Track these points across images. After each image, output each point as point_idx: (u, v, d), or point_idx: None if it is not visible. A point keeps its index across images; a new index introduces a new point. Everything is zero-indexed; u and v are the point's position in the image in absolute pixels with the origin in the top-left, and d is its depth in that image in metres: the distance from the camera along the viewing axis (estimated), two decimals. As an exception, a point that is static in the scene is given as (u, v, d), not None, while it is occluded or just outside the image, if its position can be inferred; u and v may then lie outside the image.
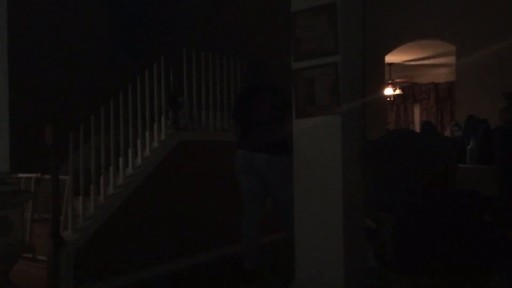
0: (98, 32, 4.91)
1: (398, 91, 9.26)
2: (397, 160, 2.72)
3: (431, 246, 2.31)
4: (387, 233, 2.37)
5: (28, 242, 3.89)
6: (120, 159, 3.79)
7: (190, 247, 4.22)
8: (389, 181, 2.66)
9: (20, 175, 3.98)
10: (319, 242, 3.23)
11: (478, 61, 5.44)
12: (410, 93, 10.28)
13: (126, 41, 5.09)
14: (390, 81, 8.89)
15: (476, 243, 2.37)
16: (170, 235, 4.04)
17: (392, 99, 9.84)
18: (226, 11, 5.35)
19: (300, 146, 3.34)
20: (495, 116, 4.65)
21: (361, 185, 2.91)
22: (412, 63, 8.47)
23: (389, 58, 7.60)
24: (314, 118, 3.24)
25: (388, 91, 8.96)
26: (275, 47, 4.83)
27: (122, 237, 3.68)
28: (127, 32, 5.16)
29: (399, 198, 2.52)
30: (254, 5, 5.17)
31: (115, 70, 4.78)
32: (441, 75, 9.31)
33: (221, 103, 4.64)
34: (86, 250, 3.45)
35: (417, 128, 9.34)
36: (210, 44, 4.76)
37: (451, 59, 6.33)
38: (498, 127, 3.67)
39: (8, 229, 1.21)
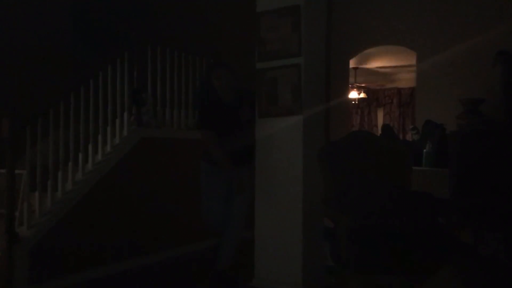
0: (60, 25, 4.80)
1: (362, 95, 9.45)
2: (355, 161, 2.79)
3: (385, 245, 2.38)
4: (343, 233, 2.43)
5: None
6: (80, 155, 3.73)
7: (150, 246, 4.18)
8: (347, 182, 2.72)
9: (-26, 169, 3.84)
10: (278, 241, 3.28)
11: (437, 68, 5.61)
12: (374, 97, 10.51)
13: (89, 34, 4.99)
14: (356, 85, 9.07)
15: (428, 242, 2.46)
16: (130, 232, 3.99)
17: (357, 102, 10.04)
18: (192, 10, 5.33)
19: (262, 145, 3.37)
20: (452, 121, 4.81)
21: (321, 186, 2.97)
22: (378, 69, 8.66)
23: (355, 63, 7.75)
24: (276, 118, 3.28)
25: (353, 94, 9.13)
26: (240, 47, 4.85)
27: (79, 234, 3.61)
28: (91, 25, 5.07)
29: (356, 199, 2.58)
30: (221, 4, 5.18)
31: (77, 64, 4.69)
32: (404, 81, 9.56)
33: (185, 100, 4.62)
34: (41, 246, 3.37)
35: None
36: (176, 41, 4.73)
37: (413, 66, 6.51)
38: (453, 132, 3.81)
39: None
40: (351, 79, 8.57)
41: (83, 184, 3.68)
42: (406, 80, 9.30)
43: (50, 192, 3.52)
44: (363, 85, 9.64)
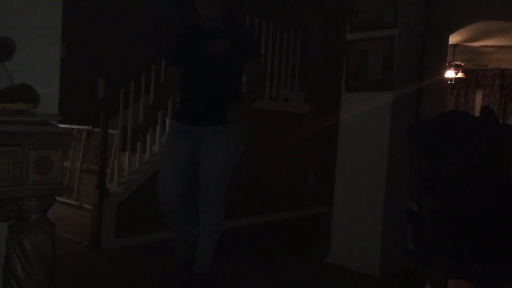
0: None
1: (460, 75, 8.80)
2: (449, 143, 2.59)
3: (470, 231, 2.21)
4: (427, 215, 2.28)
5: (76, 190, 4.08)
6: (167, 119, 3.85)
7: (234, 214, 4.26)
8: (435, 163, 2.54)
9: (73, 126, 4.15)
10: (357, 219, 3.18)
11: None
12: (474, 77, 9.75)
13: (180, 5, 5.09)
14: (453, 64, 8.45)
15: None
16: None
17: (453, 82, 9.38)
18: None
19: (348, 120, 3.26)
20: None
21: (406, 166, 2.81)
22: (477, 44, 7.99)
23: (454, 39, 7.19)
24: (364, 92, 3.14)
25: (450, 73, 8.53)
26: (330, 18, 4.68)
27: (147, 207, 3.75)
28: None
29: (442, 181, 2.41)
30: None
31: (169, 29, 4.80)
32: (509, 61, 8.74)
33: (271, 71, 4.59)
34: (128, 203, 3.57)
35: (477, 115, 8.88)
36: (264, 9, 4.68)
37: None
38: None
39: (49, 168, 1.25)
40: (449, 57, 8.00)
41: (151, 165, 3.78)
42: (510, 60, 8.49)
43: (139, 152, 3.69)
44: (462, 64, 8.97)
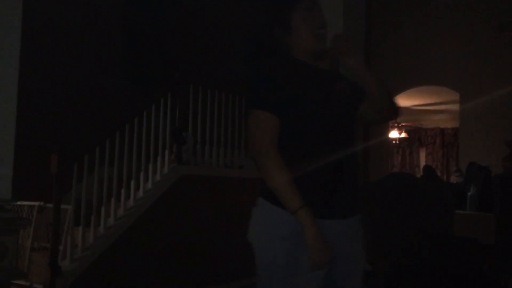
0: (108, 65, 5.07)
1: (403, 135, 9.31)
2: (394, 204, 2.74)
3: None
4: (380, 276, 2.37)
5: (26, 270, 3.91)
6: (122, 191, 3.84)
7: (188, 283, 4.19)
8: (385, 225, 2.67)
9: (23, 202, 4.03)
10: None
11: (481, 109, 5.49)
12: (416, 136, 10.32)
13: (135, 75, 5.24)
14: (396, 124, 8.96)
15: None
16: (169, 269, 4.02)
17: (397, 142, 9.88)
18: (233, 50, 5.49)
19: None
20: (498, 164, 4.66)
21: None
22: (418, 108, 8.55)
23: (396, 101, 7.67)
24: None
25: (394, 134, 9.01)
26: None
27: (119, 269, 3.68)
28: (137, 66, 5.32)
29: (394, 243, 2.52)
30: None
31: (123, 102, 4.90)
32: (447, 121, 9.37)
33: (225, 139, 4.71)
34: (83, 280, 3.45)
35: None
36: (217, 81, 4.88)
37: (456, 106, 6.39)
38: (498, 175, 3.68)
39: (3, 255, 1.25)
40: (392, 119, 8.47)
41: (124, 220, 3.78)
42: (449, 120, 9.11)
43: (93, 227, 3.63)
44: (404, 124, 9.52)
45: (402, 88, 6.36)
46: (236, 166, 4.78)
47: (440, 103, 7.90)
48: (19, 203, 3.87)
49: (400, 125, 9.21)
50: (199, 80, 4.60)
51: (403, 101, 7.80)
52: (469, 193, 3.82)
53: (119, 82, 5.05)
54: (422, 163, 10.08)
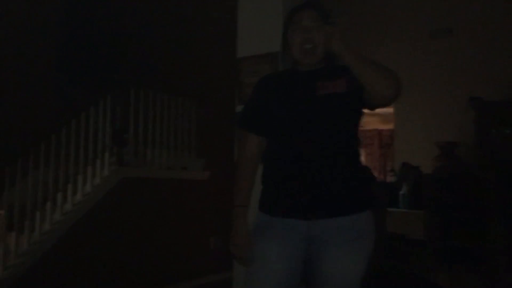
0: (44, 63, 4.87)
1: (344, 136, 9.60)
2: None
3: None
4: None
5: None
6: (59, 195, 3.72)
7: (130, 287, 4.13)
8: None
9: (-49, 208, 3.81)
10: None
11: (414, 112, 5.80)
12: (356, 138, 10.69)
13: (74, 74, 5.07)
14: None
15: (400, 284, 2.50)
16: (109, 275, 3.94)
17: (339, 143, 10.19)
18: (176, 53, 5.47)
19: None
20: (429, 164, 4.93)
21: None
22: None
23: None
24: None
25: (335, 135, 9.28)
26: (222, 90, 4.98)
27: (56, 276, 3.56)
28: (75, 65, 5.16)
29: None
30: (204, 49, 5.32)
31: (61, 103, 4.74)
32: (385, 122, 9.78)
33: (167, 140, 4.68)
34: (16, 288, 3.31)
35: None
36: (159, 83, 4.84)
37: (391, 108, 6.69)
38: (428, 174, 3.91)
39: None
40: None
41: (61, 224, 3.66)
42: (387, 122, 9.50)
43: (27, 232, 3.49)
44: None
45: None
46: (179, 167, 4.76)
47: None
48: None
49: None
50: (141, 82, 4.53)
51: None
52: (401, 192, 4.03)
53: (56, 82, 4.87)
54: (362, 163, 10.44)
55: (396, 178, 4.69)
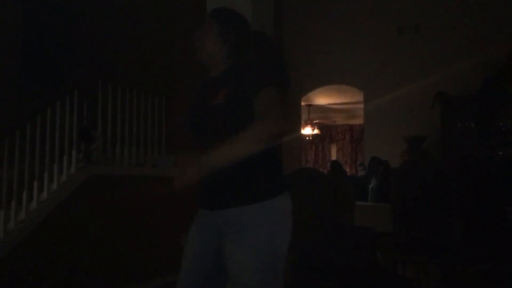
0: (7, 58, 4.74)
1: (316, 131, 9.71)
2: (300, 198, 2.87)
3: (326, 281, 2.45)
4: (289, 271, 2.47)
5: None
6: (24, 193, 3.64)
7: (98, 285, 4.07)
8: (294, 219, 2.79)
9: None
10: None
11: (383, 107, 5.90)
12: (328, 133, 10.82)
13: (38, 69, 4.96)
14: (309, 122, 9.31)
15: (368, 278, 2.54)
16: (78, 274, 3.87)
17: (310, 138, 10.29)
18: (146, 48, 5.40)
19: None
20: (397, 158, 5.03)
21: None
22: (329, 106, 8.97)
23: (308, 100, 8.01)
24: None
25: (307, 130, 9.37)
26: (194, 84, 4.94)
27: (21, 277, 3.48)
28: (40, 60, 5.04)
29: (298, 236, 2.64)
30: (172, 43, 5.28)
31: (24, 99, 4.63)
32: (355, 118, 9.93)
33: (136, 137, 4.62)
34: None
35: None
36: (129, 79, 4.77)
37: (362, 104, 6.80)
38: (395, 168, 3.98)
39: None
40: (305, 116, 8.82)
41: (27, 223, 3.58)
42: (357, 117, 9.65)
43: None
44: (317, 121, 9.93)
45: (313, 86, 6.64)
46: (149, 164, 4.71)
47: (349, 102, 8.35)
48: None
49: (313, 122, 9.59)
50: (108, 77, 4.45)
51: (316, 99, 8.15)
52: (370, 186, 4.09)
53: (19, 77, 4.75)
54: (334, 157, 10.59)
55: (365, 173, 4.76)
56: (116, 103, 4.46)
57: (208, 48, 1.72)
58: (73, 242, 3.87)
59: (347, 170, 9.51)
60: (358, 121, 10.05)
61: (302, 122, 8.03)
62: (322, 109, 9.21)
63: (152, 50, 5.31)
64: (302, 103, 7.23)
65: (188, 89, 5.04)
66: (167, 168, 4.90)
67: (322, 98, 8.24)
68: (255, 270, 1.60)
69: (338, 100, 8.45)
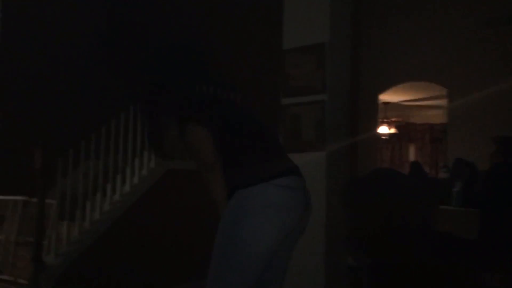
0: (94, 58, 5.01)
1: (393, 130, 9.33)
2: (378, 199, 2.74)
3: (405, 283, 2.32)
4: (364, 270, 2.38)
5: (11, 264, 3.88)
6: (108, 186, 3.82)
7: (174, 277, 4.18)
8: (370, 220, 2.68)
9: (8, 197, 4.00)
10: (299, 277, 3.21)
11: (470, 105, 5.51)
12: (406, 132, 10.35)
13: (122, 69, 5.19)
14: (385, 120, 8.98)
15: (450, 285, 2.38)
16: (155, 264, 4.01)
17: (387, 137, 9.92)
18: (220, 44, 5.47)
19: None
20: (485, 160, 4.68)
21: (344, 223, 2.93)
22: (408, 103, 8.59)
23: (385, 97, 7.70)
24: (299, 154, 3.28)
25: (383, 129, 9.03)
26: (266, 83, 4.93)
27: (105, 264, 3.66)
28: (125, 60, 5.27)
29: (377, 237, 2.53)
30: (248, 40, 5.30)
31: (110, 97, 4.86)
32: (436, 116, 9.41)
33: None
34: (68, 275, 3.43)
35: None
36: (203, 75, 4.85)
37: (444, 101, 6.42)
38: (484, 171, 3.70)
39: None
40: (382, 114, 8.50)
41: (110, 214, 3.76)
42: (438, 116, 9.15)
43: (78, 221, 3.60)
44: (394, 119, 9.55)
45: (391, 83, 6.37)
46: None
47: (429, 99, 7.93)
48: (4, 197, 3.84)
49: (389, 120, 9.24)
50: (186, 74, 4.56)
51: (392, 96, 7.82)
52: (454, 189, 3.84)
53: (106, 76, 5.00)
54: (411, 158, 10.14)
55: (449, 175, 4.48)
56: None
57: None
58: (151, 233, 4.00)
59: (427, 171, 9.05)
60: (440, 120, 9.52)
61: (378, 120, 7.74)
62: (400, 107, 8.84)
63: (229, 45, 5.37)
64: (379, 101, 6.96)
65: (260, 87, 5.06)
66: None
67: (400, 96, 7.90)
68: (215, 248, 1.74)
69: (417, 97, 8.06)
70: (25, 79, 4.60)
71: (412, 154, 10.31)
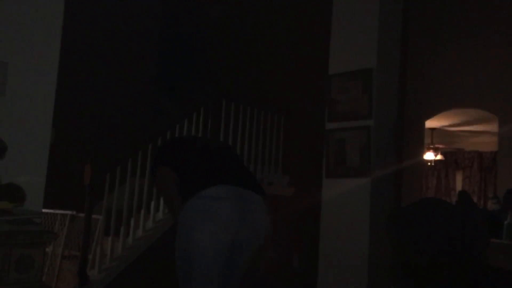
0: (144, 77, 5.18)
1: (439, 157, 9.06)
2: (424, 229, 2.65)
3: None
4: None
5: (56, 277, 4.00)
6: (152, 203, 3.89)
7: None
8: (414, 249, 2.59)
9: (56, 211, 4.14)
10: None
11: (522, 133, 5.29)
12: (453, 159, 10.03)
13: (171, 89, 5.34)
14: (431, 146, 8.74)
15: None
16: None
17: (433, 164, 9.63)
18: (267, 69, 5.52)
19: (328, 205, 3.33)
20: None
21: (388, 252, 2.85)
22: (456, 129, 8.35)
23: (431, 123, 7.52)
24: (343, 178, 3.25)
25: (429, 155, 8.79)
26: (311, 107, 4.92)
27: (146, 281, 3.70)
28: (172, 81, 5.43)
29: (420, 267, 2.44)
30: (294, 65, 5.32)
31: (157, 115, 5.00)
32: (486, 144, 9.08)
33: (255, 155, 4.71)
34: (109, 291, 3.49)
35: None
36: (249, 97, 4.91)
37: (494, 128, 6.20)
38: (538, 203, 3.52)
39: (30, 267, 1.28)
40: (428, 140, 8.29)
41: (152, 232, 3.81)
42: (488, 143, 8.83)
43: (121, 237, 3.68)
44: (440, 146, 9.28)
45: (438, 110, 6.21)
46: (266, 182, 4.77)
47: (478, 125, 7.68)
48: (52, 211, 3.98)
49: (435, 146, 8.99)
50: (231, 96, 4.63)
51: (440, 121, 7.62)
52: (505, 222, 3.66)
53: (153, 94, 5.15)
54: (458, 186, 9.79)
55: (499, 206, 4.29)
56: (238, 121, 4.61)
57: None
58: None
59: (475, 201, 8.70)
60: (489, 148, 9.19)
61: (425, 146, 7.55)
62: (447, 133, 8.59)
63: (275, 68, 5.42)
64: (426, 127, 6.80)
65: (306, 111, 5.05)
66: (283, 186, 4.92)
67: (447, 121, 7.69)
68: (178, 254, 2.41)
69: (465, 124, 7.82)
70: (78, 98, 4.80)
71: (459, 182, 9.96)
